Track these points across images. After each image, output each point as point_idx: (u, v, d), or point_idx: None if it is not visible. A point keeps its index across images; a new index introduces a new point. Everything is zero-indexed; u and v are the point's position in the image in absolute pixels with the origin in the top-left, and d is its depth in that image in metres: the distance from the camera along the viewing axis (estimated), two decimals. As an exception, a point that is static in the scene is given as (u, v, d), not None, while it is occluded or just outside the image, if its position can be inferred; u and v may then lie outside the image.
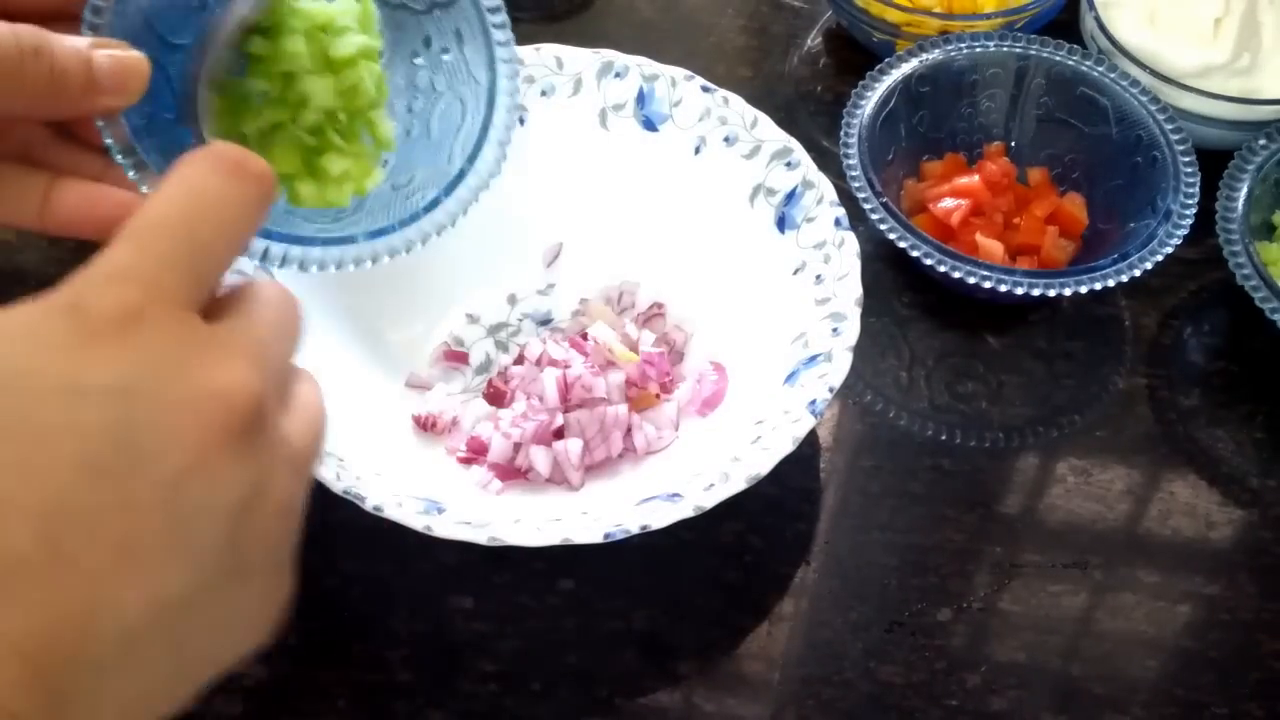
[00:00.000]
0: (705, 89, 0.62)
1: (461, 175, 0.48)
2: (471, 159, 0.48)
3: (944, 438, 0.61)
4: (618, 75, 0.62)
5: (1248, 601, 0.57)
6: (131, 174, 0.39)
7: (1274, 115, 0.67)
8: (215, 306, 0.30)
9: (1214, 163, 0.65)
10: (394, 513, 0.49)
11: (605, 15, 0.79)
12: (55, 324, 0.27)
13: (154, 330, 0.27)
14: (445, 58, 0.48)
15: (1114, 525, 0.59)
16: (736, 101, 0.61)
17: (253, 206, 0.30)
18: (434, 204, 0.47)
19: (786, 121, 0.61)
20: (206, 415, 0.27)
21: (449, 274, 0.61)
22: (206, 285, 0.29)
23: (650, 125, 0.63)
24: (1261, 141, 0.65)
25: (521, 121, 0.63)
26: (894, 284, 0.67)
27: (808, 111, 0.73)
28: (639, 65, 0.62)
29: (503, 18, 0.47)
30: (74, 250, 0.66)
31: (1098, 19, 0.70)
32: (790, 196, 0.59)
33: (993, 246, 0.63)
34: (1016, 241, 0.65)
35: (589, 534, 0.49)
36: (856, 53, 0.77)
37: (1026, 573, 0.57)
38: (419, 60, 0.48)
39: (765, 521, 0.58)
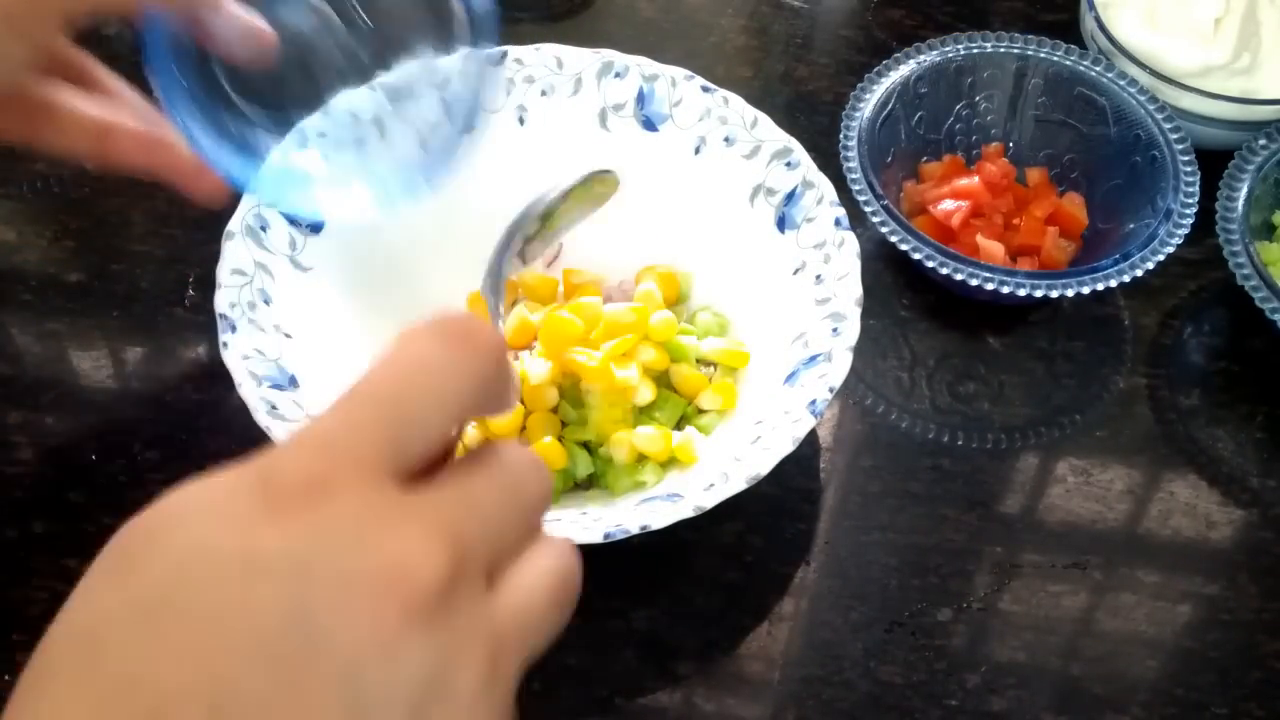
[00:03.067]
0: (705, 89, 0.62)
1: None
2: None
3: (944, 438, 0.61)
4: (618, 75, 0.62)
5: (1248, 601, 0.57)
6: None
7: (1274, 115, 0.67)
8: (431, 473, 0.28)
9: (1214, 163, 0.65)
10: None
11: (605, 15, 0.79)
12: (241, 495, 0.26)
13: (340, 501, 0.25)
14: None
15: (1114, 525, 0.59)
16: (736, 101, 0.61)
17: (475, 378, 0.28)
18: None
19: (786, 121, 0.61)
20: (383, 592, 0.25)
21: (449, 273, 0.61)
22: (411, 454, 0.27)
23: (650, 125, 0.63)
24: (1261, 141, 0.65)
25: (521, 122, 0.63)
26: (894, 284, 0.67)
27: (808, 111, 0.73)
28: (639, 65, 0.62)
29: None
30: (74, 250, 0.66)
31: (1098, 19, 0.70)
32: (790, 196, 0.59)
33: (993, 248, 0.63)
34: (1017, 242, 0.65)
35: (589, 534, 0.49)
36: (857, 53, 0.77)
37: (1026, 573, 0.57)
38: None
39: (765, 521, 0.58)
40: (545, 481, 0.29)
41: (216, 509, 0.26)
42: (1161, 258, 0.60)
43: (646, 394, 0.56)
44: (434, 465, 0.28)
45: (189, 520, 0.26)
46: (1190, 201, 0.62)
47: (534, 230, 0.46)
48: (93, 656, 0.24)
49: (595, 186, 0.46)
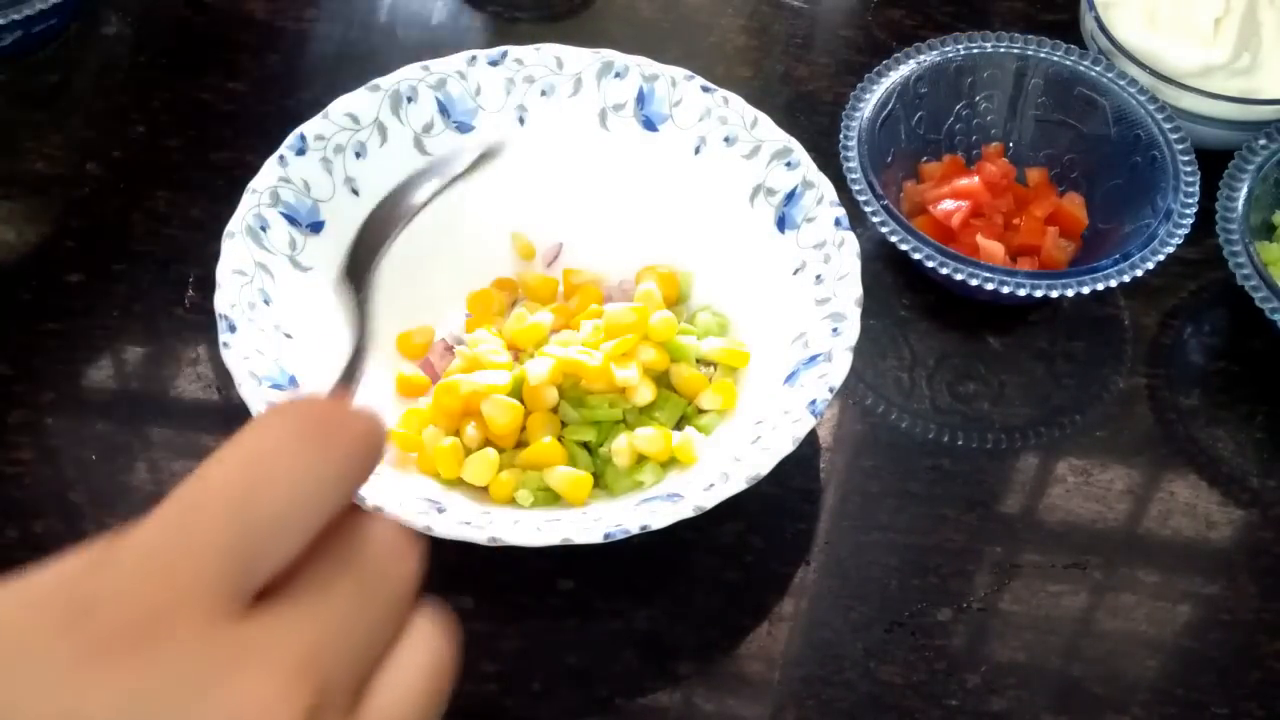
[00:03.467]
0: (705, 89, 0.62)
1: None
2: None
3: (944, 438, 0.61)
4: (618, 75, 0.62)
5: (1248, 601, 0.57)
6: None
7: (1274, 115, 0.67)
8: (281, 582, 0.24)
9: (1214, 163, 0.65)
10: (394, 512, 0.49)
11: (605, 15, 0.79)
12: (54, 637, 0.22)
13: (177, 641, 0.22)
14: None
15: (1114, 525, 0.59)
16: (736, 101, 0.61)
17: (341, 479, 0.24)
18: None
19: (786, 121, 0.61)
20: None
21: (448, 273, 0.61)
22: (260, 572, 0.23)
23: (650, 125, 0.62)
24: (1261, 141, 0.65)
25: (521, 121, 0.63)
26: (894, 284, 0.67)
27: (808, 111, 0.73)
28: (639, 65, 0.62)
29: None
30: (74, 250, 0.66)
31: (1098, 19, 0.70)
32: (790, 196, 0.59)
33: (993, 248, 0.63)
34: (1017, 242, 0.65)
35: (589, 534, 0.49)
36: (857, 53, 0.77)
37: (1026, 573, 0.57)
38: None
39: (765, 521, 0.58)
40: (411, 563, 0.26)
41: (25, 657, 0.22)
42: (1161, 257, 0.60)
43: (646, 394, 0.56)
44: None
45: (2, 680, 0.22)
46: (1190, 202, 0.62)
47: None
48: None
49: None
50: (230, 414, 0.54)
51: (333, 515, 0.25)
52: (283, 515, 0.23)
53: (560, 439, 0.56)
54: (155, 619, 0.22)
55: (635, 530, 0.49)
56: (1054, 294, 0.59)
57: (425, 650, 0.26)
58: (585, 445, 0.56)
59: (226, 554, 0.23)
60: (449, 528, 0.48)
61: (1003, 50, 0.68)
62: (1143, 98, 0.66)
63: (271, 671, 0.22)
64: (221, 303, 0.54)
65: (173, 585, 0.22)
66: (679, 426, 0.57)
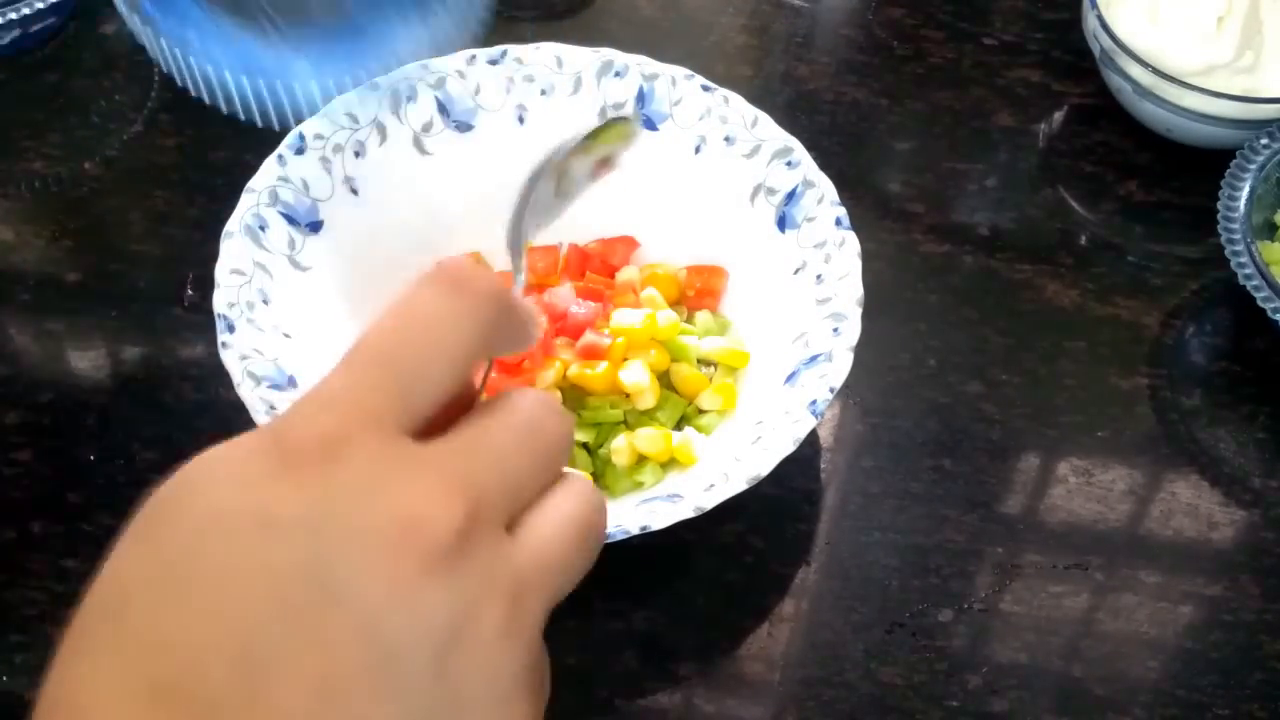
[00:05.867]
0: (705, 88, 0.62)
1: None
2: None
3: (945, 438, 0.61)
4: (618, 74, 0.62)
5: (1250, 602, 0.57)
6: None
7: (1276, 114, 0.66)
8: (444, 425, 0.28)
9: (1216, 161, 0.65)
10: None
11: (605, 14, 0.78)
12: (256, 457, 0.26)
13: (353, 456, 0.26)
14: None
15: (1115, 526, 0.59)
16: (737, 101, 0.61)
17: (477, 323, 0.28)
18: None
19: (787, 121, 0.61)
20: (398, 543, 0.25)
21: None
22: (419, 407, 0.27)
23: (650, 124, 0.62)
24: (1264, 140, 0.65)
25: (521, 121, 0.63)
26: (894, 284, 0.66)
27: (808, 111, 0.73)
28: (639, 64, 0.62)
29: None
30: (73, 250, 0.66)
31: (1099, 18, 0.70)
32: (791, 196, 0.59)
33: None
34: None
35: (589, 535, 0.49)
36: (857, 52, 0.76)
37: (1028, 573, 0.57)
38: None
39: (766, 522, 0.58)
40: (564, 424, 0.29)
41: (233, 472, 0.26)
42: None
43: (650, 400, 0.56)
44: (453, 415, 0.28)
45: (208, 485, 0.26)
46: None
47: (554, 183, 0.45)
48: (121, 620, 0.25)
49: (613, 131, 0.45)
50: (229, 414, 0.53)
51: (475, 361, 0.29)
52: (434, 356, 0.28)
53: None
54: (334, 440, 0.26)
55: (635, 531, 0.49)
56: None
57: (578, 500, 0.29)
58: (585, 446, 0.56)
59: (390, 388, 0.27)
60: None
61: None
62: None
63: (432, 483, 0.26)
64: (220, 302, 0.54)
65: (347, 415, 0.26)
66: (679, 427, 0.57)
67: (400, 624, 0.25)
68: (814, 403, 0.52)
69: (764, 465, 0.50)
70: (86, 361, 0.62)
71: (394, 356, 0.28)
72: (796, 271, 0.58)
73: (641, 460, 0.55)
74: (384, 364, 0.27)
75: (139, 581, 0.26)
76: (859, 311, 0.55)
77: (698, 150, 0.62)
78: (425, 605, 0.25)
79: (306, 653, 0.25)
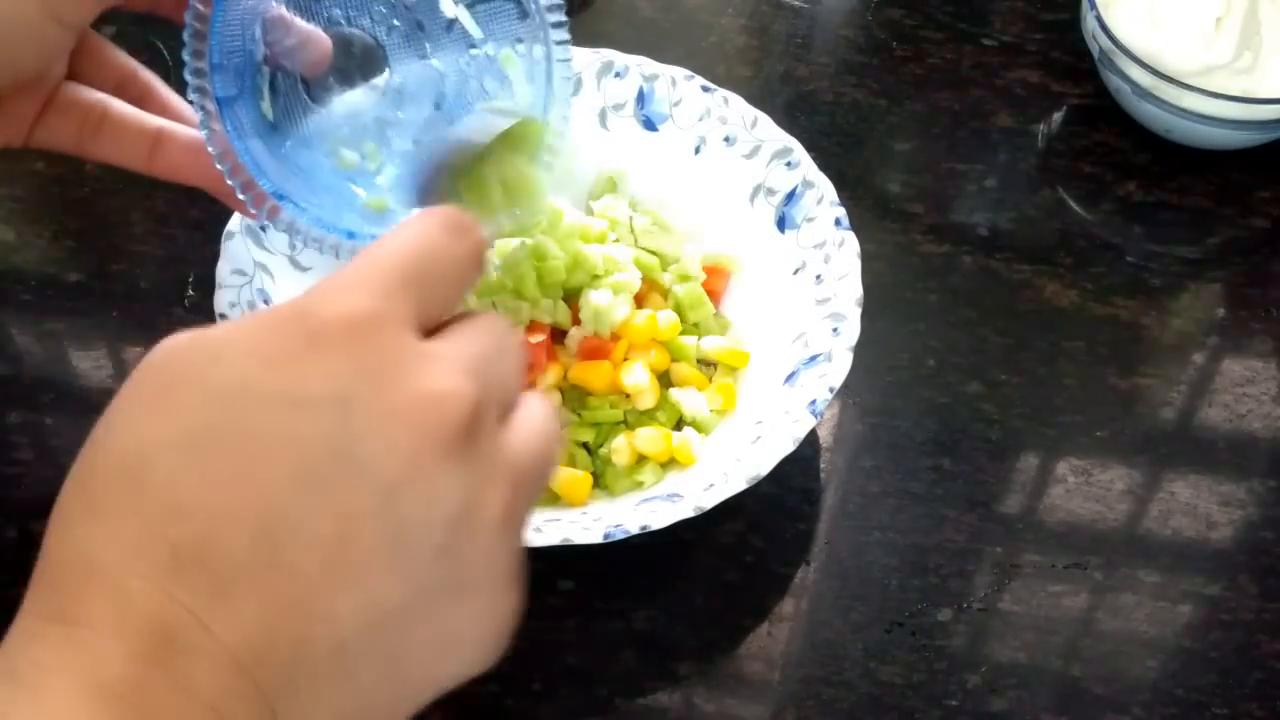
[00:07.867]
0: (705, 89, 0.62)
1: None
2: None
3: (944, 438, 0.61)
4: (618, 75, 0.62)
5: (1248, 602, 0.57)
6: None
7: (1275, 114, 0.67)
8: (434, 332, 0.30)
9: (1215, 162, 0.65)
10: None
11: (605, 15, 0.78)
12: (282, 332, 0.27)
13: (377, 339, 0.27)
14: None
15: (1114, 525, 0.59)
16: (736, 101, 0.61)
17: (470, 266, 0.31)
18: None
19: (786, 121, 0.61)
20: (420, 423, 0.27)
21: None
22: (430, 314, 0.30)
23: (650, 125, 0.62)
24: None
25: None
26: (894, 284, 0.67)
27: (808, 111, 0.73)
28: (639, 65, 0.62)
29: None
30: (74, 250, 0.66)
31: (1098, 18, 0.70)
32: (790, 196, 0.59)
33: None
34: None
35: (589, 534, 0.49)
36: (857, 52, 0.77)
37: (1027, 573, 0.57)
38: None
39: (765, 522, 0.58)
40: (520, 343, 0.33)
41: (258, 346, 0.27)
42: None
43: (650, 400, 0.56)
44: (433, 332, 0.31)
45: (232, 357, 0.27)
46: None
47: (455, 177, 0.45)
48: (140, 483, 0.26)
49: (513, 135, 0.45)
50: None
51: (464, 289, 0.31)
52: (444, 276, 0.30)
53: None
54: (360, 322, 0.27)
55: (635, 530, 0.49)
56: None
57: (544, 412, 0.31)
58: (585, 445, 0.56)
59: (411, 290, 0.29)
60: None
61: None
62: None
63: (450, 368, 0.28)
64: (221, 303, 0.54)
65: (375, 300, 0.28)
66: (679, 426, 0.57)
67: (416, 501, 0.26)
68: (813, 402, 0.52)
69: (763, 465, 0.50)
70: (88, 361, 0.62)
71: (415, 267, 0.29)
72: (796, 271, 0.58)
73: (641, 460, 0.55)
74: (406, 270, 0.29)
75: (158, 447, 0.26)
76: (858, 311, 0.55)
77: (698, 151, 0.62)
78: (439, 486, 0.27)
79: (325, 522, 0.26)
